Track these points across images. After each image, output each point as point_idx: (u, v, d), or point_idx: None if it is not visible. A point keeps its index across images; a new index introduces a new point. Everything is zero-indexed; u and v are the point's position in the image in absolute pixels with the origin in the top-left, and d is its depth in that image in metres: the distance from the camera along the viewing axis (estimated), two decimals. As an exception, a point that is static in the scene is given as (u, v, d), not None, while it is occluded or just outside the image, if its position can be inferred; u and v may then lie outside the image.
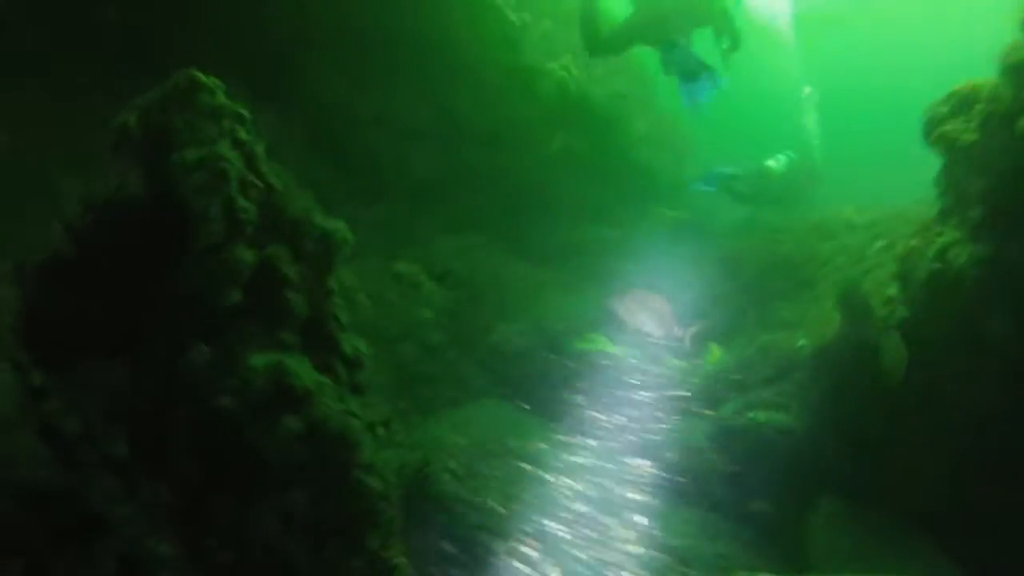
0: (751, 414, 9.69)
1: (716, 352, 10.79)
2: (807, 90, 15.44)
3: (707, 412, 10.15)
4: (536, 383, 10.31)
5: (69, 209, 5.28)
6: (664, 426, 10.14)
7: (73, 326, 5.05)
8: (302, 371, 5.03)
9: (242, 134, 5.26)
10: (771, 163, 13.79)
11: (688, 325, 10.77)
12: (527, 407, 10.03)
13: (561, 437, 9.86)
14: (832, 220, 11.83)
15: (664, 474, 9.81)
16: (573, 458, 9.57)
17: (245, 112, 5.41)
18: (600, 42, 11.67)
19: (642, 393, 10.22)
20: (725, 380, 10.39)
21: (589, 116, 12.74)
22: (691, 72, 10.77)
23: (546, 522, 8.07)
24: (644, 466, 9.94)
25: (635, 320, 10.75)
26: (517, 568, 7.35)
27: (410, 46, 11.50)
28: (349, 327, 5.72)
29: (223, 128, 5.13)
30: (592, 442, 9.83)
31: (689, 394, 10.41)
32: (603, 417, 10.01)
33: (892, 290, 7.72)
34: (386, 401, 9.73)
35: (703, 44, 11.37)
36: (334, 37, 11.10)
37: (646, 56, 14.62)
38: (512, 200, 12.32)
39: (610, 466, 9.66)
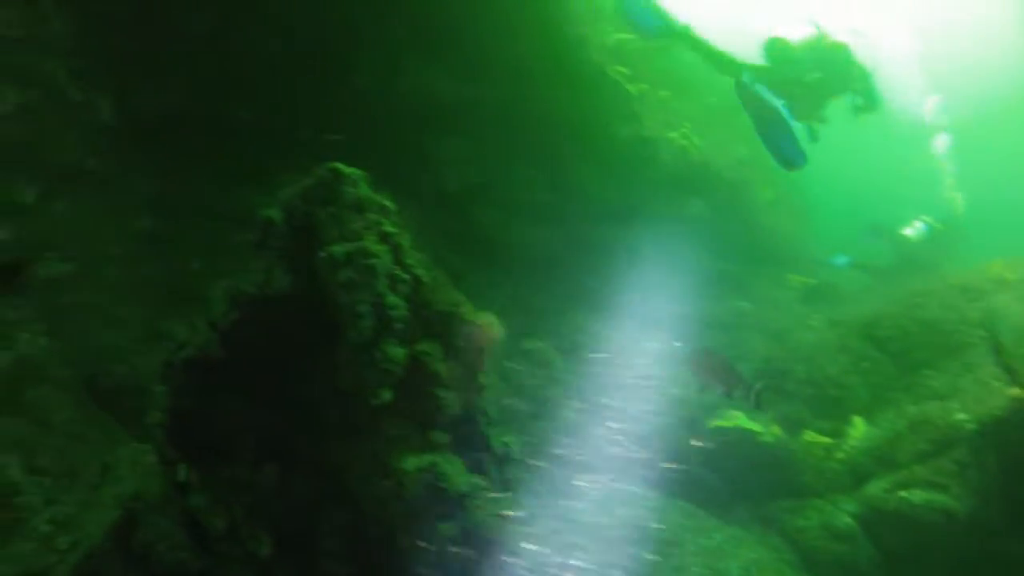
0: (903, 493, 8.95)
1: (860, 426, 10.08)
2: (933, 100, 14.63)
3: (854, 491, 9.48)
4: (674, 462, 9.77)
5: (215, 304, 5.13)
6: (810, 506, 9.48)
7: (221, 423, 4.87)
8: (454, 473, 4.70)
9: (387, 226, 5.04)
10: (908, 232, 13.13)
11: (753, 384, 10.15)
12: (665, 489, 9.50)
13: (695, 516, 9.32)
14: (979, 278, 11.01)
15: (811, 558, 9.15)
16: (703, 541, 9.03)
17: (389, 203, 5.20)
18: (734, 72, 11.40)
19: (780, 471, 9.60)
20: (871, 455, 9.68)
21: (712, 184, 12.30)
22: (765, 120, 10.32)
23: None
24: (788, 548, 9.30)
25: (703, 378, 10.19)
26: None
27: (530, 123, 11.33)
28: (496, 419, 5.40)
29: (368, 221, 4.92)
30: (731, 527, 9.25)
31: (833, 470, 9.74)
32: (741, 498, 9.42)
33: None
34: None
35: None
36: (456, 120, 11.01)
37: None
38: (638, 272, 11.91)
39: (753, 553, 9.05)
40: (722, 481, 9.64)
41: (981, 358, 9.87)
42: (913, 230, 13.09)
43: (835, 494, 9.59)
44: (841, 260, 13.37)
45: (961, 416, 8.55)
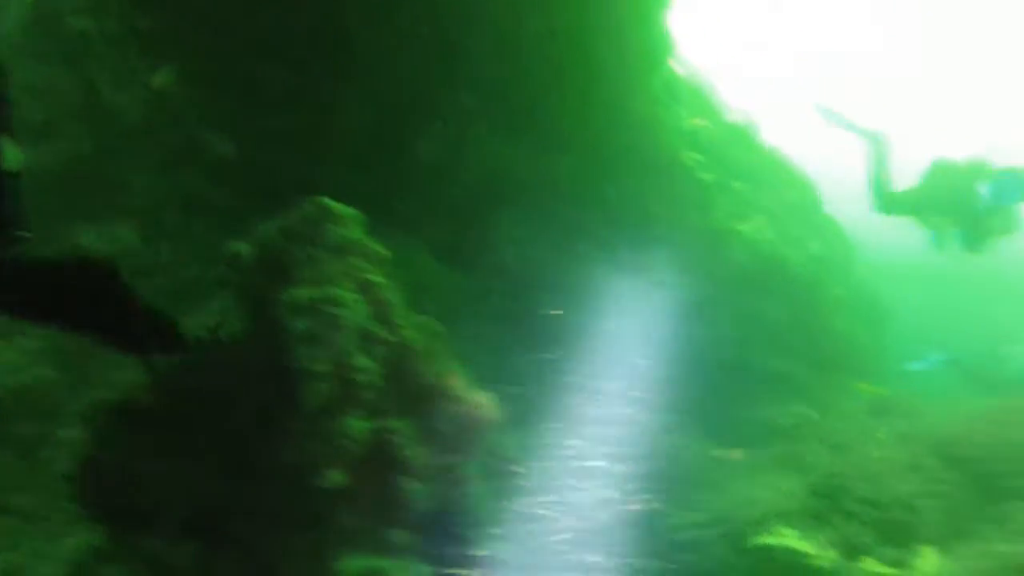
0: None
1: (931, 558, 8.42)
2: None
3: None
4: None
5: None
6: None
7: (144, 483, 3.80)
8: (408, 584, 3.53)
9: (375, 276, 3.97)
10: (1015, 349, 11.79)
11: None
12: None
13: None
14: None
15: None
16: None
17: (382, 250, 4.14)
18: (889, 201, 10.85)
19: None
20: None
21: (783, 281, 10.94)
22: None
23: None
24: None
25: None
26: None
27: (599, 206, 10.26)
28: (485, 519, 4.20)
29: (348, 266, 3.87)
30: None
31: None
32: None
33: None
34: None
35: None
36: (523, 194, 10.01)
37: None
38: (703, 373, 10.57)
39: None
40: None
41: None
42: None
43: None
44: (932, 360, 11.89)
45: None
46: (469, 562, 3.97)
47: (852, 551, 8.57)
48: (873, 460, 9.32)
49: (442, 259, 9.55)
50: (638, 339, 10.42)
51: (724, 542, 8.44)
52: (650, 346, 10.39)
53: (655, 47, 10.58)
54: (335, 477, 3.47)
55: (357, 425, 3.48)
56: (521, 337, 9.84)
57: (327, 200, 3.99)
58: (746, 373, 10.32)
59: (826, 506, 8.88)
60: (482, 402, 3.78)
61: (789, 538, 8.44)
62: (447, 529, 3.82)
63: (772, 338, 10.62)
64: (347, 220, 3.95)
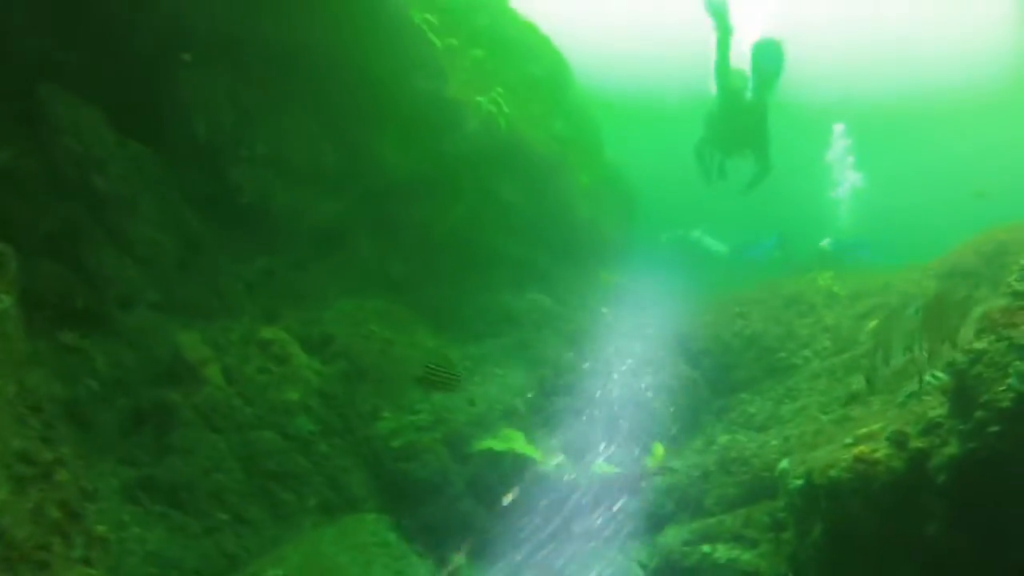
0: (706, 547, 6.40)
1: (659, 452, 7.44)
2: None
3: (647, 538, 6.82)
4: (430, 492, 6.91)
5: None
6: (589, 555, 6.77)
7: None
8: None
9: None
10: (824, 244, 12.02)
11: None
12: (413, 528, 6.62)
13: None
14: (809, 291, 8.55)
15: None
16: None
17: None
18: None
19: (562, 509, 6.84)
20: (671, 495, 7.06)
21: (523, 160, 9.46)
22: None
23: None
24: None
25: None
26: None
27: (310, 67, 8.21)
28: None
29: None
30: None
31: (623, 510, 7.07)
32: (506, 542, 6.61)
33: (938, 410, 4.38)
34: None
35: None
36: (213, 54, 7.78)
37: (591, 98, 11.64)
38: (429, 257, 8.98)
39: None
40: (489, 518, 6.84)
41: (808, 383, 7.43)
42: (827, 243, 12.01)
43: (626, 539, 6.99)
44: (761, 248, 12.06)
45: (784, 464, 5.92)
46: None
47: (582, 453, 7.47)
48: (608, 353, 8.20)
49: (122, 127, 7.33)
50: (357, 221, 8.67)
51: (444, 447, 7.06)
52: (369, 229, 8.70)
53: None
54: None
55: None
56: (226, 221, 7.85)
57: None
58: (479, 258, 8.86)
59: (558, 404, 7.72)
60: None
61: (515, 442, 7.19)
62: None
63: (508, 222, 9.16)
64: None
